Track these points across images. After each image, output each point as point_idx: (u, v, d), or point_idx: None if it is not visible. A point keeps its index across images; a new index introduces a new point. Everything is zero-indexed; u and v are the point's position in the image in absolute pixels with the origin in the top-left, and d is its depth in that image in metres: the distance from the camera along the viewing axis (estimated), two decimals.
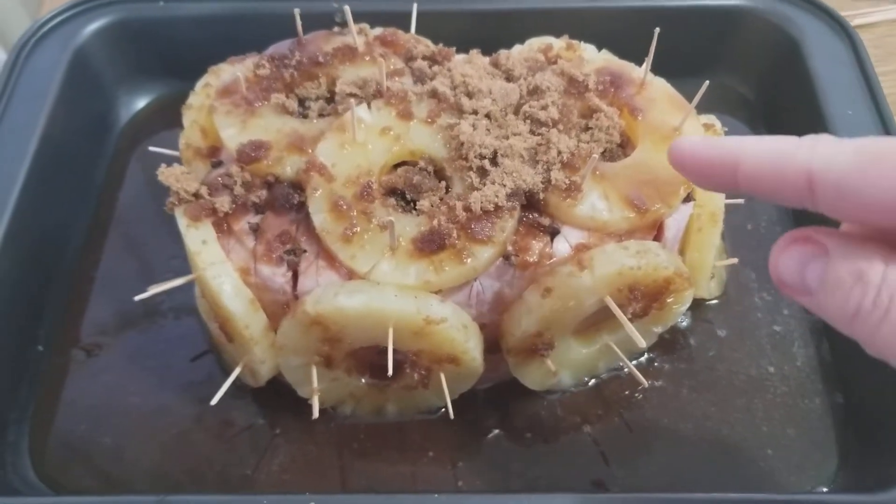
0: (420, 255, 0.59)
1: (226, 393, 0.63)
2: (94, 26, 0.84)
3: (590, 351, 0.68)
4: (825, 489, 0.65)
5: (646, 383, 0.66)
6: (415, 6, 0.77)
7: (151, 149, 0.73)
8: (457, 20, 0.86)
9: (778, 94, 0.85)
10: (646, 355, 0.72)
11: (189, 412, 0.69)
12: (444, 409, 0.68)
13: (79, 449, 0.68)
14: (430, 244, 0.58)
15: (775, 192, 0.39)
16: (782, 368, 0.71)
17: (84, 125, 0.83)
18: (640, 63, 0.70)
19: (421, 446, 0.68)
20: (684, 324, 0.73)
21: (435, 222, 0.59)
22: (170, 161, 0.66)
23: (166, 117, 0.89)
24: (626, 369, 0.70)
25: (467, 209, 0.59)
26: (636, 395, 0.70)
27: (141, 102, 0.90)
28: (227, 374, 0.68)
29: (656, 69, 0.69)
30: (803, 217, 0.80)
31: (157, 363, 0.72)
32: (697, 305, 0.74)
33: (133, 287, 0.73)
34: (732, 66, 0.88)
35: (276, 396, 0.68)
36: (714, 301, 0.75)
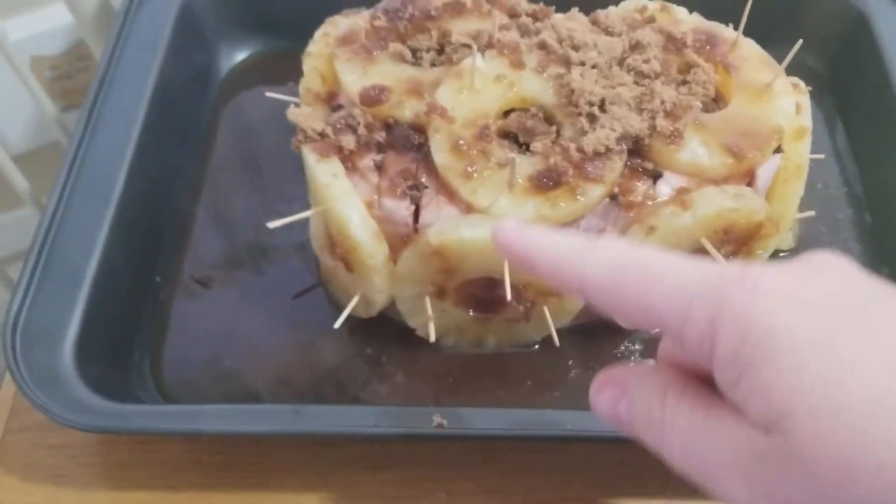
0: (536, 192, 0.63)
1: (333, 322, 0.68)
2: None
3: None
4: None
5: None
6: None
7: (269, 94, 0.77)
8: None
9: (846, 67, 0.90)
10: None
11: (300, 340, 0.74)
12: (537, 345, 0.74)
13: (199, 370, 0.72)
14: (547, 181, 0.63)
15: (561, 288, 0.43)
16: None
17: (189, 75, 0.88)
18: None
19: (520, 377, 0.72)
20: None
21: (551, 161, 0.64)
22: (282, 106, 0.70)
23: (262, 72, 0.94)
24: None
25: (580, 150, 0.64)
26: None
27: (239, 56, 0.95)
28: (336, 306, 0.74)
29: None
30: (869, 179, 0.85)
31: (267, 296, 0.77)
32: (773, 256, 0.78)
33: (238, 225, 0.80)
34: (799, 38, 0.92)
35: (382, 327, 0.73)
36: (786, 254, 0.80)
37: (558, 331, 0.72)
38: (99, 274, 0.69)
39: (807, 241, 0.80)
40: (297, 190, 0.81)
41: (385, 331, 0.73)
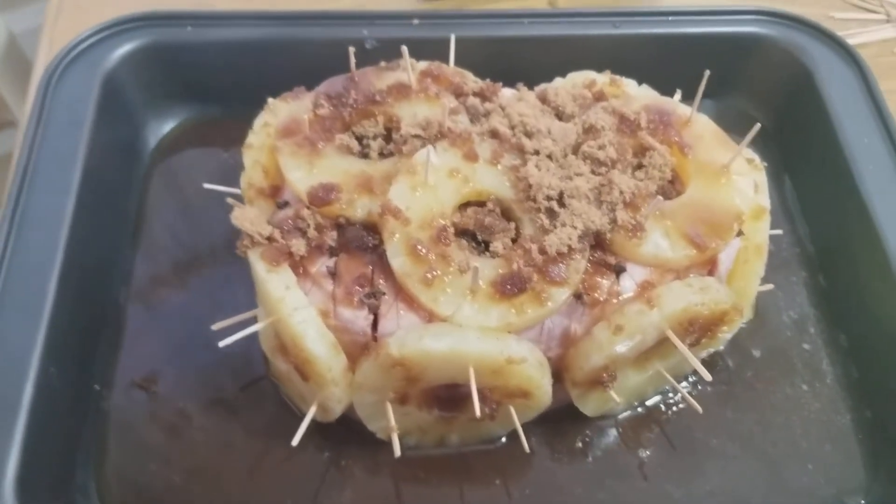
0: (501, 299, 0.61)
1: (291, 425, 0.65)
2: (122, 51, 0.83)
3: (643, 378, 0.71)
4: (862, 501, 0.70)
5: (700, 410, 0.69)
6: (452, 38, 0.78)
7: (207, 186, 0.73)
8: (477, 48, 0.87)
9: (791, 120, 0.89)
10: (690, 379, 0.76)
11: (255, 446, 0.71)
12: (503, 439, 0.71)
13: (147, 489, 0.68)
14: (511, 287, 0.61)
15: None
16: (814, 386, 0.75)
17: (117, 151, 0.83)
18: (666, 91, 0.74)
19: (486, 475, 0.70)
20: (721, 346, 0.77)
21: (514, 266, 0.61)
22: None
23: (192, 141, 0.89)
24: (671, 394, 0.74)
25: (543, 251, 0.62)
26: (683, 417, 0.74)
27: (167, 126, 0.90)
28: (290, 404, 0.72)
29: (672, 92, 0.74)
30: (820, 237, 0.85)
31: (215, 394, 0.73)
32: None
33: (176, 318, 0.75)
34: (747, 91, 0.92)
35: (340, 428, 0.70)
36: (745, 325, 0.79)
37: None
38: (35, 399, 0.64)
39: (764, 310, 0.80)
40: (238, 277, 0.77)
41: (343, 431, 0.70)
